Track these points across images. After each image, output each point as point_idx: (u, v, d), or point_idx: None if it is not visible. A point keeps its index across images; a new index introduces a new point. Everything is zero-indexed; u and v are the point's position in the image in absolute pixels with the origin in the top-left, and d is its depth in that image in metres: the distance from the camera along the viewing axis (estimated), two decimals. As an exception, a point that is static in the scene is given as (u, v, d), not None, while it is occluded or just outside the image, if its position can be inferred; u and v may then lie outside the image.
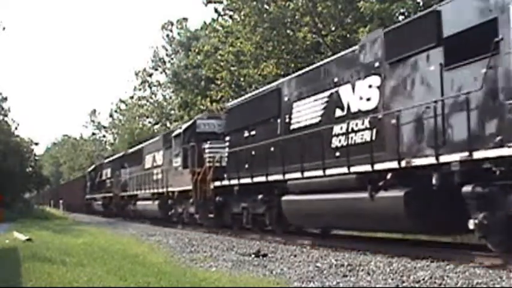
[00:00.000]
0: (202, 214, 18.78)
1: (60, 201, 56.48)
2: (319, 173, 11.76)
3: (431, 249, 10.00)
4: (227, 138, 17.25)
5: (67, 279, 7.69)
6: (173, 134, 22.61)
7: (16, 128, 44.98)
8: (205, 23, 42.27)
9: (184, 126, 21.88)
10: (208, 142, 18.81)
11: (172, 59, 49.79)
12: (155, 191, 25.03)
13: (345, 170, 10.94)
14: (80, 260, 10.11)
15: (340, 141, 11.42)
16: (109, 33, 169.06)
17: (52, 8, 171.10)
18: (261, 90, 16.31)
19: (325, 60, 13.41)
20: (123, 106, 61.91)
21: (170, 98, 50.17)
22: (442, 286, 7.14)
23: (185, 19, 49.58)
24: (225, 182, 16.69)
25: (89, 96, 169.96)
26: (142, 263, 9.89)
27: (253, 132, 15.47)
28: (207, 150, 18.63)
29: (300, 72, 14.33)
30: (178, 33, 49.47)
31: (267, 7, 24.20)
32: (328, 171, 11.51)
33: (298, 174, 12.51)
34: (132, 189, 30.39)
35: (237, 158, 16.02)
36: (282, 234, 14.38)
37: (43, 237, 16.40)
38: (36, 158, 54.02)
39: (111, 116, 68.34)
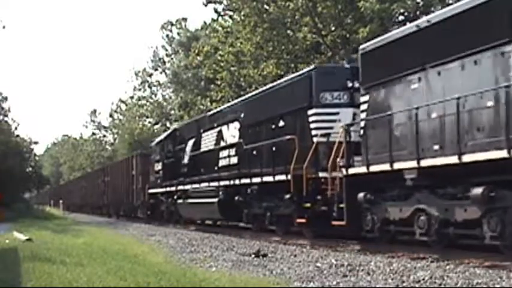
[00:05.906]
0: None
1: (61, 201, 56.18)
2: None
3: (431, 249, 10.01)
4: None
5: (67, 279, 7.67)
6: None
7: (16, 128, 45.17)
8: (205, 23, 42.45)
9: None
10: None
11: (172, 59, 49.84)
12: None
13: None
14: (80, 260, 10.07)
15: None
16: (109, 33, 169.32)
17: (52, 7, 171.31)
18: None
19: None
20: (123, 106, 61.96)
21: (170, 98, 50.22)
22: (442, 286, 7.13)
23: (185, 19, 49.74)
24: None
25: (89, 96, 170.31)
26: (143, 263, 9.88)
27: None
28: None
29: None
30: (178, 33, 49.54)
31: (267, 7, 24.22)
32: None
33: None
34: None
35: None
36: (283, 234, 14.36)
37: (43, 237, 16.35)
38: (36, 158, 54.14)
39: (111, 116, 68.40)
